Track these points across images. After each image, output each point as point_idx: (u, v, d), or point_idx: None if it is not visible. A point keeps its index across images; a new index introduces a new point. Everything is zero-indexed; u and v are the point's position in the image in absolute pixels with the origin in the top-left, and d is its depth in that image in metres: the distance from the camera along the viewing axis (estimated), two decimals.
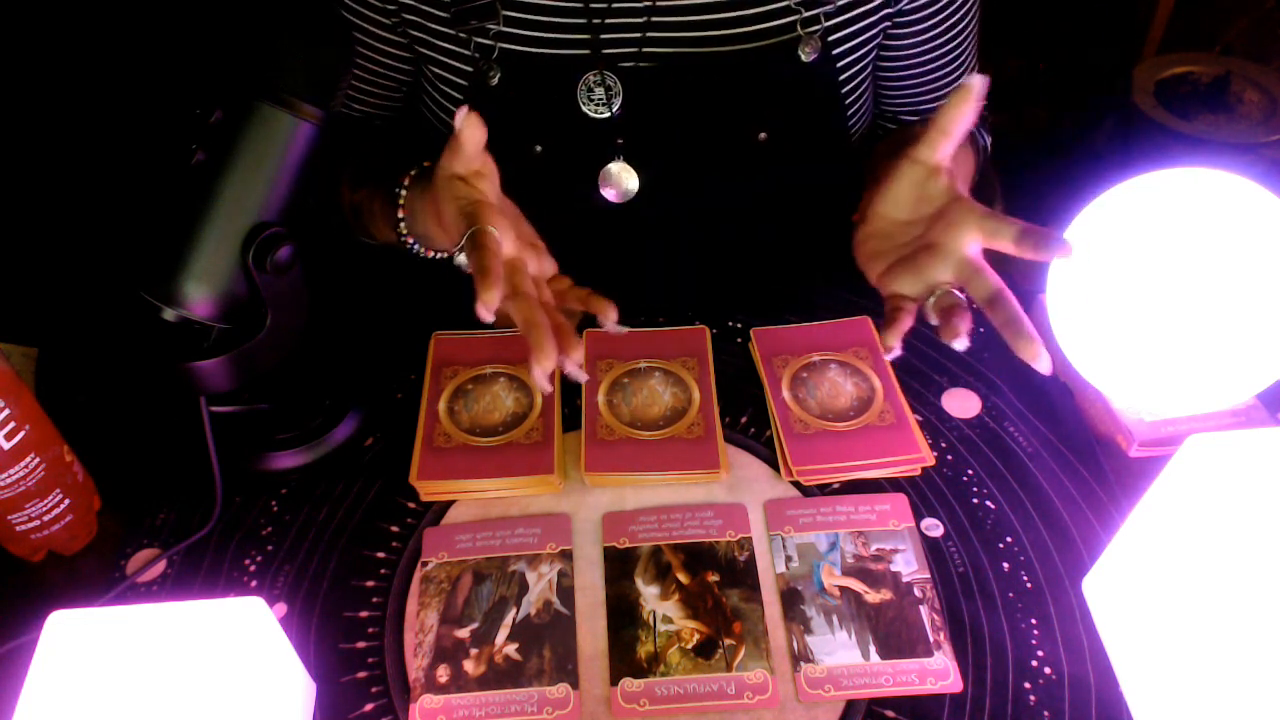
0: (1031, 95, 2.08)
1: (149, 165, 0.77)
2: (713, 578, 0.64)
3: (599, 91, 0.78)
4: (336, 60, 0.61)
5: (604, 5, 0.76)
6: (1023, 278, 0.85)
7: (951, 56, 0.87)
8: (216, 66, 0.61)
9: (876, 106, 0.92)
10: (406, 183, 0.73)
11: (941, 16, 0.83)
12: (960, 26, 0.86)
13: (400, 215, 0.74)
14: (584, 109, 0.79)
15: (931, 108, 0.91)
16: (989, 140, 0.95)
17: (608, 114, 0.78)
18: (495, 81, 0.78)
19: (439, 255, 0.76)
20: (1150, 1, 1.94)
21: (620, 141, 0.80)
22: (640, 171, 0.81)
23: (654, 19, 0.77)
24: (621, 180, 0.81)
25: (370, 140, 0.88)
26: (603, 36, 0.77)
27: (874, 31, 0.82)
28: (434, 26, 0.79)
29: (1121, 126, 1.86)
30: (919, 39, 0.85)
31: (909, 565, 0.64)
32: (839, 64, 0.81)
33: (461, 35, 0.78)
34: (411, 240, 0.74)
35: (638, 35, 0.77)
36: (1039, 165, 1.99)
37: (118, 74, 1.28)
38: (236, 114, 0.59)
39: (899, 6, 0.81)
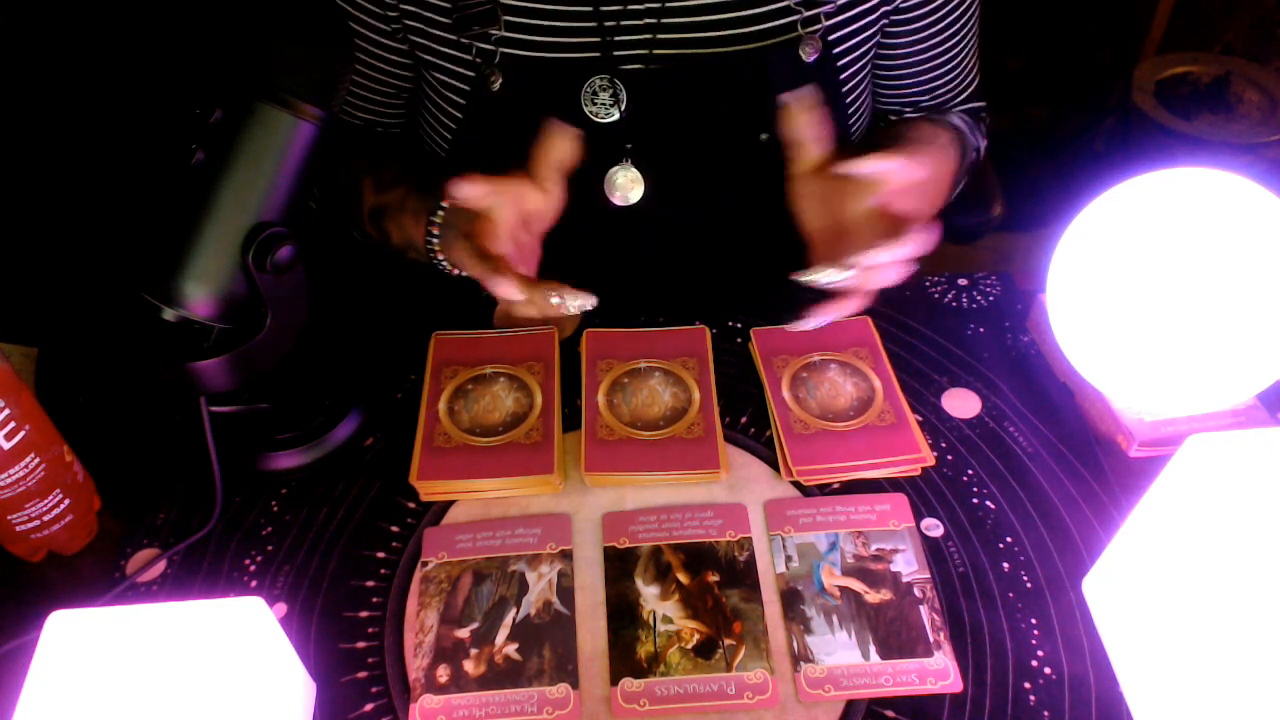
0: (1031, 95, 2.08)
1: (149, 165, 0.77)
2: (713, 578, 0.64)
3: (603, 96, 0.78)
4: (336, 60, 0.61)
5: (617, 8, 0.76)
6: (1023, 278, 0.86)
7: (949, 57, 0.87)
8: (216, 66, 0.61)
9: (874, 106, 0.92)
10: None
11: (938, 16, 0.83)
12: (957, 27, 0.85)
13: (435, 226, 0.76)
14: (587, 113, 0.79)
15: (929, 106, 0.91)
16: (984, 144, 0.95)
17: (615, 117, 0.78)
18: (497, 87, 0.78)
19: (459, 272, 0.78)
20: (1150, 1, 1.94)
21: (629, 146, 0.80)
22: (645, 175, 0.81)
23: (663, 20, 0.77)
24: (627, 184, 0.81)
25: (390, 145, 0.89)
26: (613, 39, 0.77)
27: (873, 30, 0.82)
28: (435, 33, 0.79)
29: (1121, 126, 1.86)
30: (916, 37, 0.85)
31: (909, 565, 0.64)
32: (839, 64, 0.81)
33: (463, 41, 0.78)
34: (439, 248, 0.76)
35: (647, 38, 0.77)
36: (1039, 165, 1.99)
37: (118, 74, 1.28)
38: (236, 114, 0.59)
39: (895, 4, 0.81)
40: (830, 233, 0.71)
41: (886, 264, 0.65)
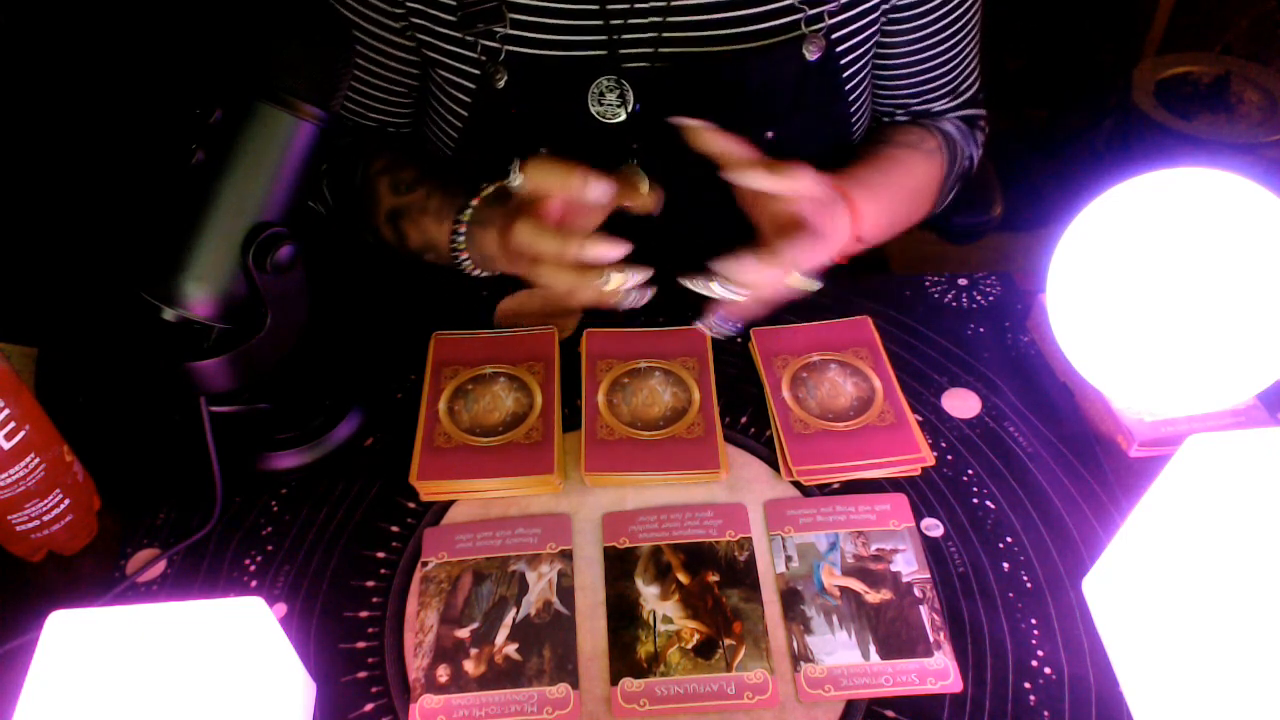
0: (1031, 95, 2.08)
1: (149, 165, 0.77)
2: (713, 578, 0.64)
3: (610, 97, 0.78)
4: (336, 60, 0.61)
5: (624, 7, 0.76)
6: (1023, 278, 0.86)
7: (941, 60, 0.87)
8: (216, 66, 0.61)
9: (873, 105, 0.92)
10: (484, 193, 0.74)
11: (933, 18, 0.83)
12: (952, 30, 0.85)
13: (462, 225, 0.75)
14: (594, 113, 0.79)
15: (919, 110, 0.91)
16: (978, 153, 0.95)
17: (622, 118, 0.78)
18: (501, 85, 0.78)
19: (480, 272, 0.77)
20: (1150, 1, 1.94)
21: (635, 146, 0.80)
22: (651, 174, 0.81)
23: (668, 19, 0.77)
24: (634, 184, 0.81)
25: (407, 147, 0.88)
26: (619, 38, 0.77)
27: (875, 29, 0.82)
28: (440, 30, 0.79)
29: (1121, 126, 1.86)
30: (909, 38, 0.85)
31: (909, 565, 0.64)
32: (842, 62, 0.81)
33: (468, 39, 0.78)
34: (464, 247, 0.75)
35: (652, 36, 0.77)
36: (1039, 165, 1.99)
37: (118, 74, 1.28)
38: (236, 114, 0.59)
39: (892, 2, 0.81)
40: (761, 236, 0.72)
41: (761, 274, 0.66)
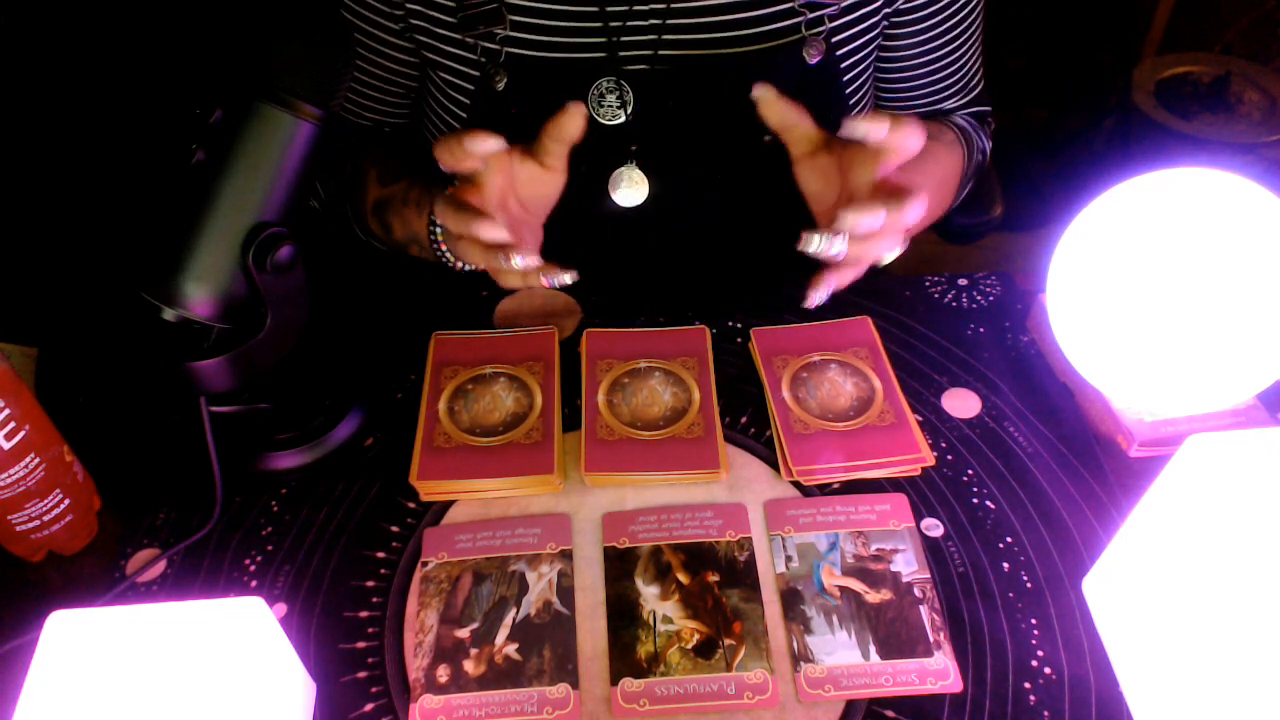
0: (1031, 95, 2.08)
1: (149, 165, 0.77)
2: (713, 578, 0.64)
3: (610, 99, 0.78)
4: (336, 60, 0.61)
5: (623, 9, 0.76)
6: (1023, 278, 0.86)
7: (948, 61, 0.87)
8: (216, 66, 0.61)
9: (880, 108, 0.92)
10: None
11: (939, 19, 0.83)
12: (958, 31, 0.85)
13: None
14: (594, 115, 0.79)
15: (928, 111, 0.91)
16: (989, 145, 0.95)
17: (621, 120, 0.78)
18: (501, 87, 0.78)
19: (464, 266, 0.77)
20: (1150, 1, 1.94)
21: (634, 148, 0.80)
22: (650, 177, 0.81)
23: (668, 21, 0.77)
24: (631, 185, 0.81)
25: (397, 142, 0.88)
26: (618, 40, 0.77)
27: (876, 33, 0.82)
28: (440, 32, 0.79)
29: (1121, 126, 1.86)
30: (914, 41, 0.85)
31: (909, 565, 0.64)
32: (843, 65, 0.81)
33: (468, 41, 0.78)
34: (444, 238, 0.75)
35: (652, 38, 0.77)
36: (1039, 165, 1.99)
37: (118, 74, 1.28)
38: (236, 114, 0.59)
39: (895, 6, 0.81)
40: (836, 209, 0.68)
41: (879, 231, 0.63)
